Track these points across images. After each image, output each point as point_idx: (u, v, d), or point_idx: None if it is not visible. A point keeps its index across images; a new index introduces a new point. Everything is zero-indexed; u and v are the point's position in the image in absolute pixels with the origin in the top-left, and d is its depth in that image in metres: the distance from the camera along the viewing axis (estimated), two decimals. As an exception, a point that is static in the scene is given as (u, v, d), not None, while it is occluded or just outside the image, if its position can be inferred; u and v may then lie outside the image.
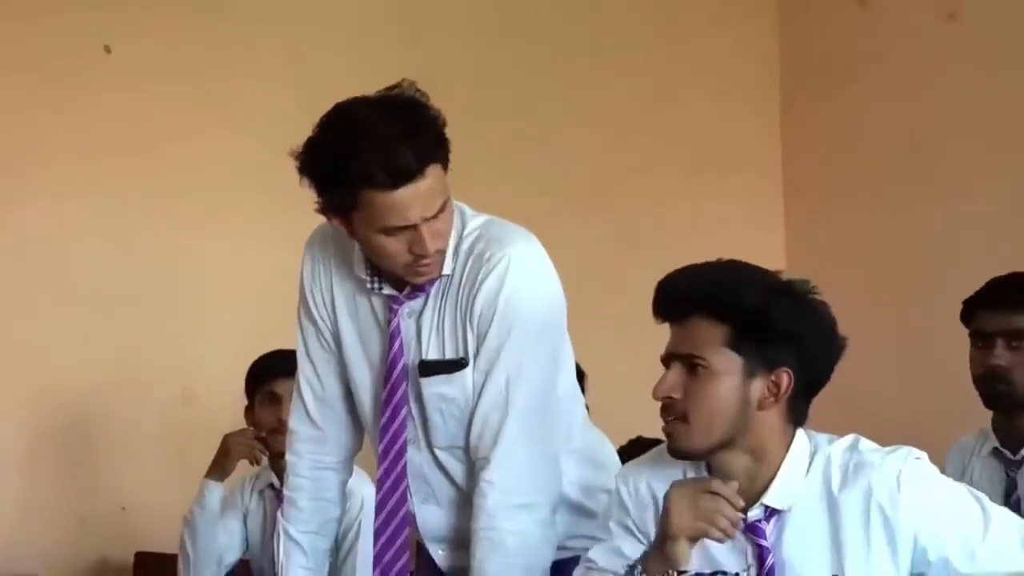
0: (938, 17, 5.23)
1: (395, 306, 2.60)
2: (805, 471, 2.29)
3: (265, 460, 3.90)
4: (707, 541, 2.28)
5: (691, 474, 2.35)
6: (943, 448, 3.39)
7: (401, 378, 2.61)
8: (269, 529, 3.85)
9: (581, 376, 2.82)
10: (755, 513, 2.28)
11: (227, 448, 3.88)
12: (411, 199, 2.42)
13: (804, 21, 5.87)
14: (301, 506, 2.80)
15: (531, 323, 2.54)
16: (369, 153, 2.39)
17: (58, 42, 4.69)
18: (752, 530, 2.28)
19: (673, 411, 2.28)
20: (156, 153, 4.79)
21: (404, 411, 2.62)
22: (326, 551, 2.83)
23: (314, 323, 2.72)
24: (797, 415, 2.31)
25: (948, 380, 3.79)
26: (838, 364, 2.32)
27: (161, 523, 4.26)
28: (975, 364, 3.22)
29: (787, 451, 2.29)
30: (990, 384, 3.19)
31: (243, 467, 3.97)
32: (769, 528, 2.28)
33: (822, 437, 2.33)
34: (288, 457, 2.83)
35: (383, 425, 2.64)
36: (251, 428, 3.87)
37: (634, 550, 2.35)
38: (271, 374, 3.82)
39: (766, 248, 5.48)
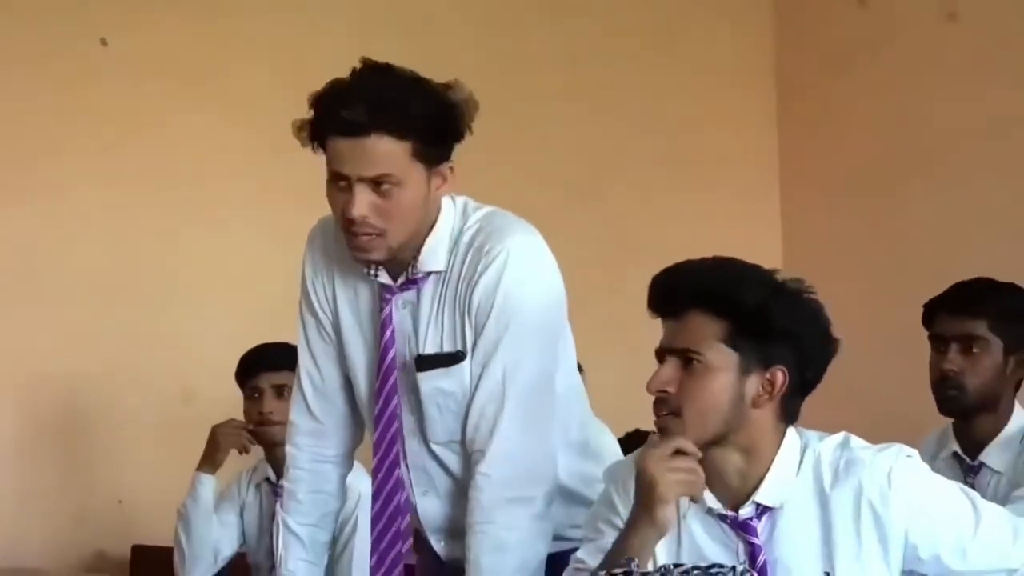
0: (935, 14, 5.24)
1: (387, 295, 2.61)
2: (796, 469, 2.29)
3: (262, 453, 3.91)
4: (697, 539, 2.30)
5: None
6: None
7: (393, 366, 2.61)
8: (266, 523, 3.85)
9: (579, 370, 2.82)
10: (747, 511, 2.29)
11: (216, 439, 3.89)
12: (350, 151, 2.46)
13: (801, 17, 5.88)
14: (301, 499, 2.80)
15: (529, 316, 2.54)
16: (333, 98, 2.48)
17: (54, 36, 4.69)
18: (744, 528, 2.28)
19: (667, 405, 2.28)
20: (154, 147, 4.80)
21: (396, 400, 2.62)
22: (325, 543, 2.84)
23: (315, 315, 2.72)
24: (790, 413, 2.31)
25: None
26: (833, 360, 2.32)
27: (158, 516, 4.26)
28: (932, 368, 3.21)
29: (778, 449, 2.29)
30: (942, 389, 3.18)
31: (242, 461, 3.98)
32: (761, 526, 2.28)
33: (813, 435, 2.34)
34: (288, 449, 2.84)
35: (377, 413, 2.64)
36: (236, 419, 3.89)
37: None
38: (253, 369, 3.85)
39: (762, 242, 5.49)
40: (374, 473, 2.68)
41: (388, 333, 2.61)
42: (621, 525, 2.34)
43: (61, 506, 4.67)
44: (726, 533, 2.30)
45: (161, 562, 4.03)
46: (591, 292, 4.01)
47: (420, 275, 2.58)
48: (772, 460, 2.29)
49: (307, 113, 2.53)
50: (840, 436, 2.33)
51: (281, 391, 3.76)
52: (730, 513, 2.30)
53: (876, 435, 2.38)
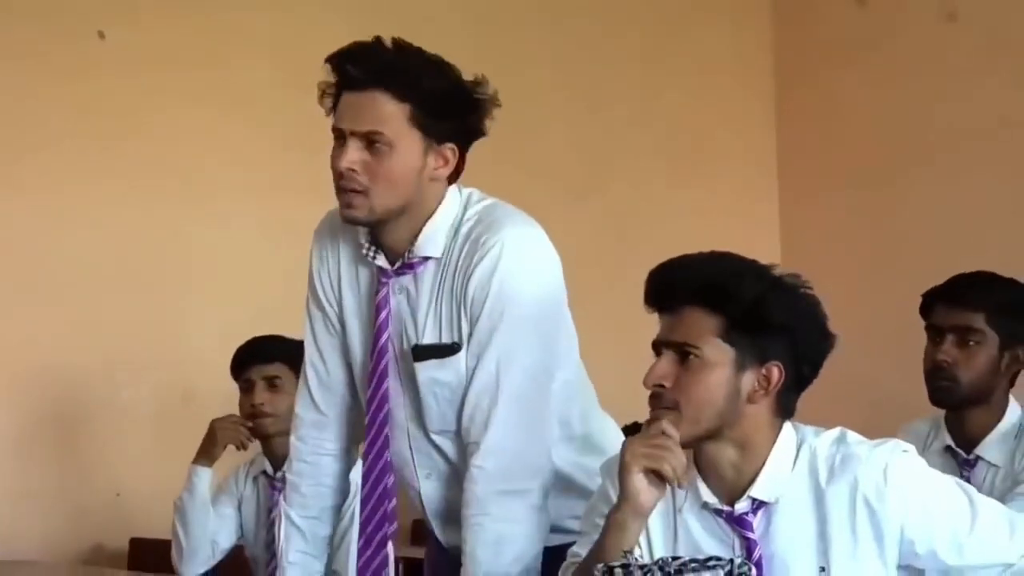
0: (934, 14, 5.25)
1: (384, 279, 2.61)
2: (792, 464, 2.29)
3: (259, 446, 3.92)
4: (693, 533, 2.30)
5: None
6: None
7: (385, 348, 2.61)
8: (263, 516, 3.86)
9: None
10: (742, 506, 2.29)
11: (213, 433, 3.90)
12: (349, 106, 2.50)
13: (799, 12, 5.88)
14: (303, 491, 2.80)
15: (524, 308, 2.53)
16: (346, 53, 2.52)
17: (52, 29, 4.69)
18: (739, 523, 2.28)
19: (663, 399, 2.28)
20: (152, 140, 4.80)
21: (386, 383, 2.62)
22: (325, 538, 2.83)
23: (321, 309, 2.73)
24: (785, 409, 2.31)
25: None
26: (830, 356, 2.32)
27: (156, 509, 4.27)
28: (926, 358, 3.21)
29: (774, 444, 2.29)
30: (934, 379, 3.18)
31: (240, 454, 3.98)
32: (756, 521, 2.28)
33: (809, 430, 2.34)
34: (292, 441, 2.84)
35: (369, 395, 2.64)
36: (235, 414, 3.89)
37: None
38: (245, 362, 3.86)
39: (761, 237, 5.50)
40: (364, 455, 2.68)
41: (383, 315, 2.61)
42: (617, 519, 2.35)
43: (59, 499, 4.67)
44: (722, 528, 2.30)
45: (159, 555, 4.03)
46: (589, 287, 4.00)
47: (416, 259, 2.58)
48: (767, 455, 2.29)
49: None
50: (836, 431, 2.33)
51: (273, 383, 3.78)
52: (726, 508, 2.30)
53: (873, 430, 2.38)
